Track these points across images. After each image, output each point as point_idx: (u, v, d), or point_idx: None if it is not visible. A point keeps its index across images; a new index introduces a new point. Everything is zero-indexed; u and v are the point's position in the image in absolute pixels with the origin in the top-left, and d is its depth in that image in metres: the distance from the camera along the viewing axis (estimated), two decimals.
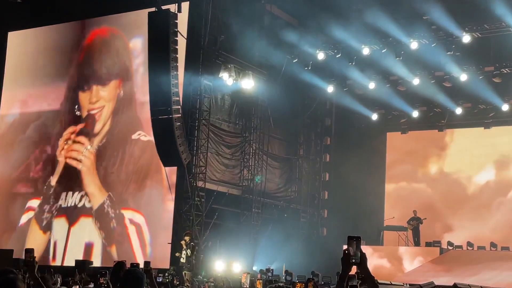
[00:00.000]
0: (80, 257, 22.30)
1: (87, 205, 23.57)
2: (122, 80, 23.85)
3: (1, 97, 26.66)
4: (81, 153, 24.08)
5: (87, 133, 24.30)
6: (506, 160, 24.72)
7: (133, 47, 23.72)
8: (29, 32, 26.57)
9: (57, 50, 25.77)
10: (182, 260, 18.56)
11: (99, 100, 24.20)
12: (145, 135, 22.70)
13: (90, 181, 23.66)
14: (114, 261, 7.62)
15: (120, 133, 23.57)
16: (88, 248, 22.96)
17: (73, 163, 24.17)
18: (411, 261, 22.40)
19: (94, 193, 23.49)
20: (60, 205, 24.19)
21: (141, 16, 23.24)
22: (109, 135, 23.80)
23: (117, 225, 22.70)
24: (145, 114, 22.66)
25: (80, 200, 23.74)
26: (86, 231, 23.38)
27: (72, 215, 23.81)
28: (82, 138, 24.33)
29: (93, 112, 24.35)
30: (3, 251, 22.31)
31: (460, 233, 24.16)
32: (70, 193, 24.10)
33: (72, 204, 23.88)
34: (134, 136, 23.08)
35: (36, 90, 25.94)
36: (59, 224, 24.03)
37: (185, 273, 18.28)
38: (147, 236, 22.02)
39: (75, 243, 23.38)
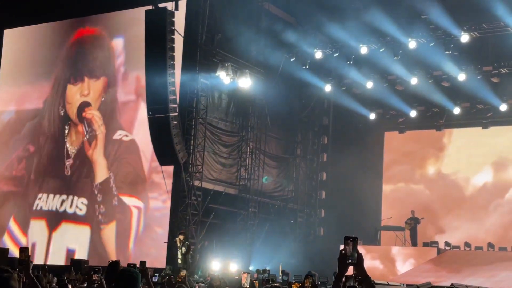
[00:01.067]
0: (63, 263, 22.39)
1: (69, 210, 23.65)
2: (108, 78, 23.80)
3: None
4: (100, 121, 24.08)
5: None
6: (503, 162, 24.64)
7: (115, 47, 23.69)
8: (25, 30, 26.48)
9: (53, 47, 25.70)
10: (179, 260, 18.51)
11: (90, 94, 24.15)
12: (127, 135, 22.69)
13: (101, 152, 23.58)
14: (109, 260, 7.53)
15: (103, 132, 23.53)
16: (71, 254, 22.96)
17: (95, 126, 24.00)
18: (407, 261, 22.29)
19: (102, 166, 23.42)
20: (41, 207, 24.20)
21: (123, 16, 23.38)
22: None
23: (119, 203, 22.70)
24: (126, 114, 22.71)
25: (61, 205, 23.79)
26: (68, 237, 23.44)
27: (53, 219, 23.87)
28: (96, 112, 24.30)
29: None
30: None
31: (456, 234, 24.07)
32: (51, 195, 24.08)
33: (53, 209, 23.90)
34: (115, 137, 23.02)
35: (32, 88, 25.87)
36: (38, 226, 24.06)
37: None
38: (141, 227, 22.05)
39: (57, 248, 23.45)
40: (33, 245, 23.67)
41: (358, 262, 4.23)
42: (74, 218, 23.43)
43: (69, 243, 23.29)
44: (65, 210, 23.65)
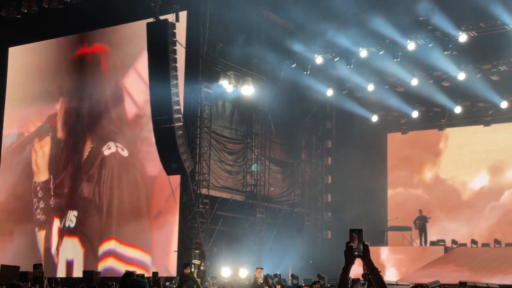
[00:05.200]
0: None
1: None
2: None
3: (3, 115, 26.71)
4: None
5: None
6: (499, 166, 24.64)
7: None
8: (30, 47, 26.63)
9: (56, 64, 25.85)
10: (202, 267, 18.40)
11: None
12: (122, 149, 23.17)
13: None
14: (126, 271, 7.74)
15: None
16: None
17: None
18: (415, 261, 22.38)
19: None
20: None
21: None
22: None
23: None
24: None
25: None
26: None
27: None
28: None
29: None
30: (10, 267, 22.37)
31: (456, 235, 24.05)
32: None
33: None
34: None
35: (36, 107, 26.01)
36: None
37: None
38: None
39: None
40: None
41: (365, 254, 4.18)
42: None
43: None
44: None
